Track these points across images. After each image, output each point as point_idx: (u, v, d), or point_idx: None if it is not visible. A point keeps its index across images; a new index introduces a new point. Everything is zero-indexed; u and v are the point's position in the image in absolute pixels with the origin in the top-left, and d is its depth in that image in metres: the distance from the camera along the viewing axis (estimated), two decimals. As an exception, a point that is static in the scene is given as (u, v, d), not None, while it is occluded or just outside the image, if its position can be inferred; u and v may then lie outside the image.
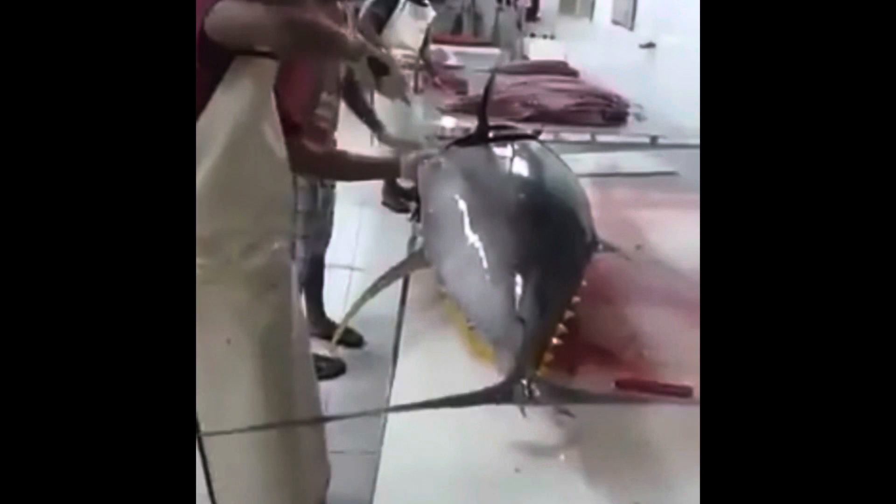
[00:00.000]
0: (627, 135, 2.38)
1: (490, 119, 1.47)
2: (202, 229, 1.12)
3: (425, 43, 3.92)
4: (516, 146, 1.34)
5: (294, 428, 1.33)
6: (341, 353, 2.58)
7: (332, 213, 2.58)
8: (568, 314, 0.96)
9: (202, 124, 1.09)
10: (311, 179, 2.19)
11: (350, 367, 2.54)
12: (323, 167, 1.61)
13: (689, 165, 2.08)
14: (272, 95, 1.22)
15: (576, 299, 0.99)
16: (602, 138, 2.35)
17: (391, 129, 2.86)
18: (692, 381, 0.98)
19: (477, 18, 8.74)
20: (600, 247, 1.17)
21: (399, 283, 1.25)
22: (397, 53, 3.74)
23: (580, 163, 1.94)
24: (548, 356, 0.90)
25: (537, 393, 0.80)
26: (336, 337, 1.80)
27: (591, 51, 4.14)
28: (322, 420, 1.41)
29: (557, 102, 2.38)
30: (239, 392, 1.24)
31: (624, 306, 1.25)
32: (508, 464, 0.84)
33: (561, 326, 0.94)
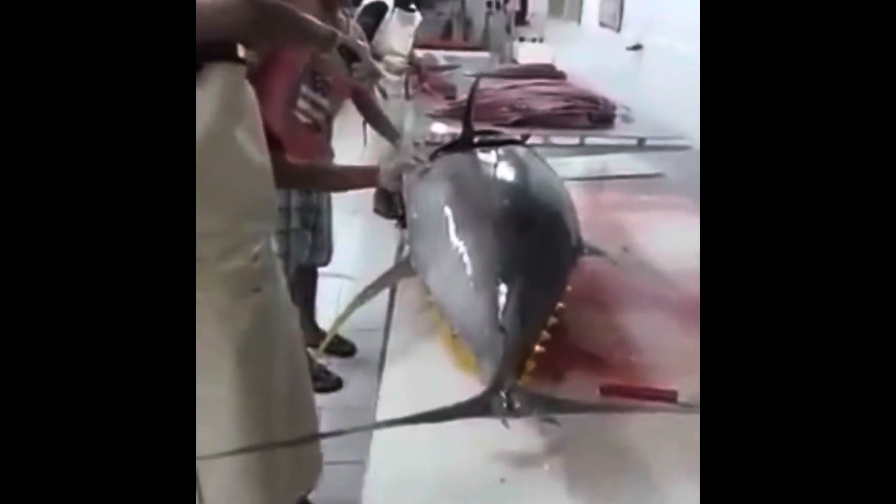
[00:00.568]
0: (615, 137, 2.38)
1: (478, 124, 1.47)
2: None
3: (414, 46, 3.95)
4: (501, 152, 1.34)
5: (272, 424, 1.33)
6: (334, 362, 2.58)
7: (329, 226, 2.57)
8: (552, 321, 0.96)
9: None
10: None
11: (342, 377, 2.54)
12: (304, 180, 1.61)
13: (676, 167, 2.08)
14: (246, 102, 1.22)
15: (560, 305, 0.99)
16: (590, 141, 2.35)
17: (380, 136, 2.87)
18: (679, 385, 0.98)
19: (467, 23, 8.77)
20: (586, 251, 1.17)
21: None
22: (390, 60, 3.77)
23: (567, 166, 1.94)
24: (531, 364, 0.90)
25: (518, 404, 0.79)
26: (323, 345, 1.79)
27: (579, 53, 4.15)
28: (302, 440, 1.41)
29: (545, 106, 2.38)
30: (217, 391, 1.24)
31: (610, 310, 1.25)
32: (494, 473, 0.84)
33: (545, 333, 0.93)
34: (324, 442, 1.47)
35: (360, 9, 3.79)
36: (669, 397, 0.96)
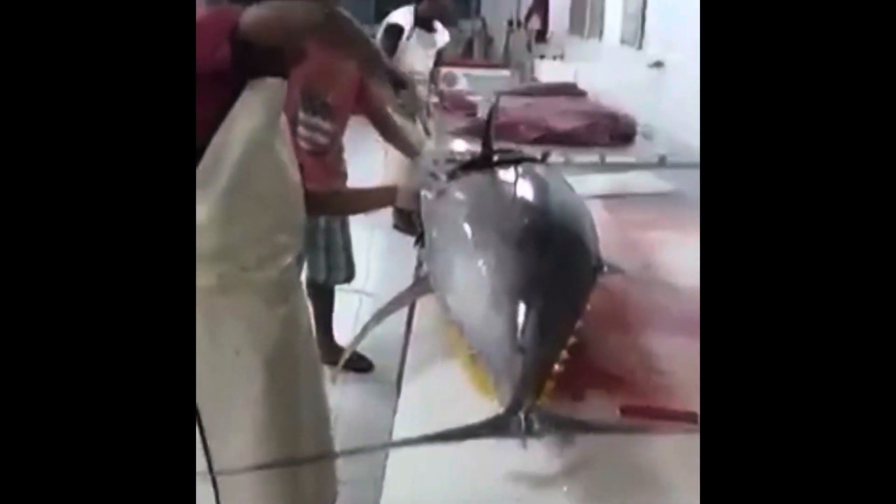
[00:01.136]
0: (636, 154, 2.37)
1: (498, 142, 1.47)
2: (222, 236, 1.15)
3: (436, 65, 3.96)
4: (520, 170, 1.33)
5: (298, 437, 1.33)
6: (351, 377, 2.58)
7: (347, 243, 2.57)
8: (572, 340, 0.95)
9: (219, 139, 1.14)
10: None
11: (359, 393, 2.54)
12: (321, 205, 1.63)
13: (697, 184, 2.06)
14: (283, 118, 1.25)
15: (580, 324, 0.98)
16: (611, 158, 2.34)
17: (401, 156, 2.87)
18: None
19: (488, 41, 8.81)
20: (606, 269, 1.16)
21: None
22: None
23: (587, 184, 1.93)
24: (550, 384, 0.89)
25: (536, 425, 0.78)
26: (341, 363, 1.78)
27: (601, 71, 4.15)
28: (318, 457, 1.41)
29: (565, 124, 2.38)
30: (244, 405, 1.26)
31: (631, 329, 1.23)
32: (510, 494, 0.83)
33: (564, 353, 0.92)
34: (339, 461, 1.47)
35: (381, 31, 3.82)
36: (690, 418, 0.95)
